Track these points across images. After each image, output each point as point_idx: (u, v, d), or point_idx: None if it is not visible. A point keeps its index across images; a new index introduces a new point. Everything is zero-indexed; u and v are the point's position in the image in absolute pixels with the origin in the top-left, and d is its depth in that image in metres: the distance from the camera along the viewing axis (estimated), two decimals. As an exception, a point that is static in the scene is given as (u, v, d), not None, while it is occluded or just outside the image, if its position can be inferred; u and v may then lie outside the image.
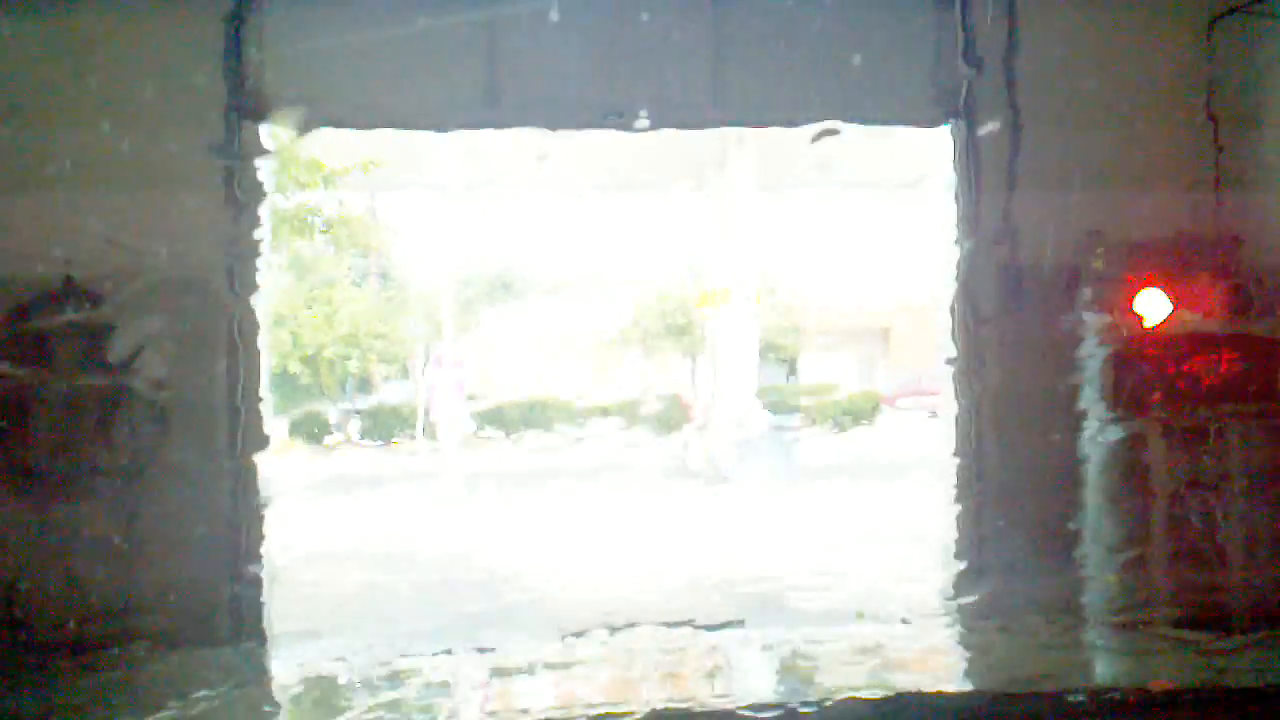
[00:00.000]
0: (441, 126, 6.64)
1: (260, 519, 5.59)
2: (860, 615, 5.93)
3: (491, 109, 5.83)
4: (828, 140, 5.89)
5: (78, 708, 2.75)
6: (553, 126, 5.95)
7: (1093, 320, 5.45)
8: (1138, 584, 5.33)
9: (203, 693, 2.65)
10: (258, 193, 5.63)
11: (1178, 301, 5.42)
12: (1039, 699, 2.15)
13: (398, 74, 5.71)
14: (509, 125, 6.06)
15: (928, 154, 6.67)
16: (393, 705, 2.47)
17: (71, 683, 3.67)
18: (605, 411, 26.56)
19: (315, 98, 5.75)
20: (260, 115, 5.62)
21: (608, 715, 2.20)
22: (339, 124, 5.95)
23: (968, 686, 2.76)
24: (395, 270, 31.28)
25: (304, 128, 6.28)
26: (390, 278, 31.20)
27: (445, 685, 2.66)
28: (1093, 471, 5.44)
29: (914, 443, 13.29)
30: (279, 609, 5.60)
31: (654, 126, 6.39)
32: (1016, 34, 5.74)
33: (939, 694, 2.40)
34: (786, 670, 2.75)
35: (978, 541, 5.64)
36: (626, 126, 5.94)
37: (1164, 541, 5.23)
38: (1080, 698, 2.22)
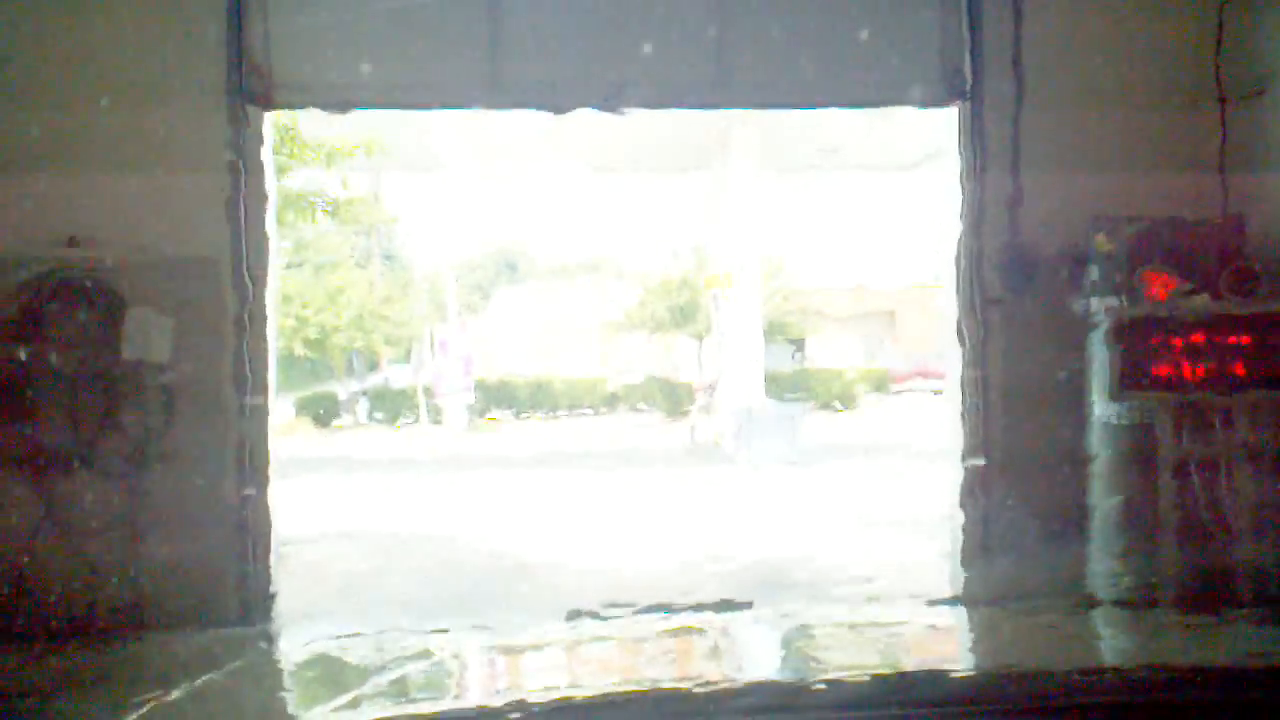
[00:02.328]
0: (444, 107, 6.64)
1: (267, 500, 5.61)
2: (871, 599, 5.94)
3: (493, 90, 5.83)
4: (833, 122, 5.89)
5: (85, 685, 2.77)
6: (555, 108, 5.94)
7: (1098, 300, 5.45)
8: (1144, 563, 5.34)
9: (209, 671, 2.65)
10: (262, 174, 5.63)
11: (1183, 282, 5.41)
12: (1045, 677, 2.15)
13: (400, 54, 5.71)
14: (511, 106, 6.06)
15: (933, 135, 6.67)
16: (399, 683, 2.48)
17: (79, 661, 3.69)
18: (611, 394, 26.61)
19: (318, 78, 5.75)
20: (264, 96, 5.62)
21: (614, 693, 2.21)
22: (341, 104, 5.94)
23: (974, 665, 2.76)
24: (400, 252, 31.28)
25: (307, 108, 6.27)
26: (395, 259, 31.18)
27: (451, 663, 2.67)
28: (1098, 451, 5.44)
29: (920, 423, 13.31)
30: (285, 589, 5.62)
31: (657, 108, 6.39)
32: (1023, 15, 5.73)
33: (945, 672, 2.41)
34: (792, 650, 2.75)
35: (983, 521, 5.65)
36: (629, 108, 5.94)
37: (1170, 521, 5.23)
38: (1085, 676, 2.23)
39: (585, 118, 5.91)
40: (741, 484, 13.98)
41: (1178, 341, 5.38)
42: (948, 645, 2.88)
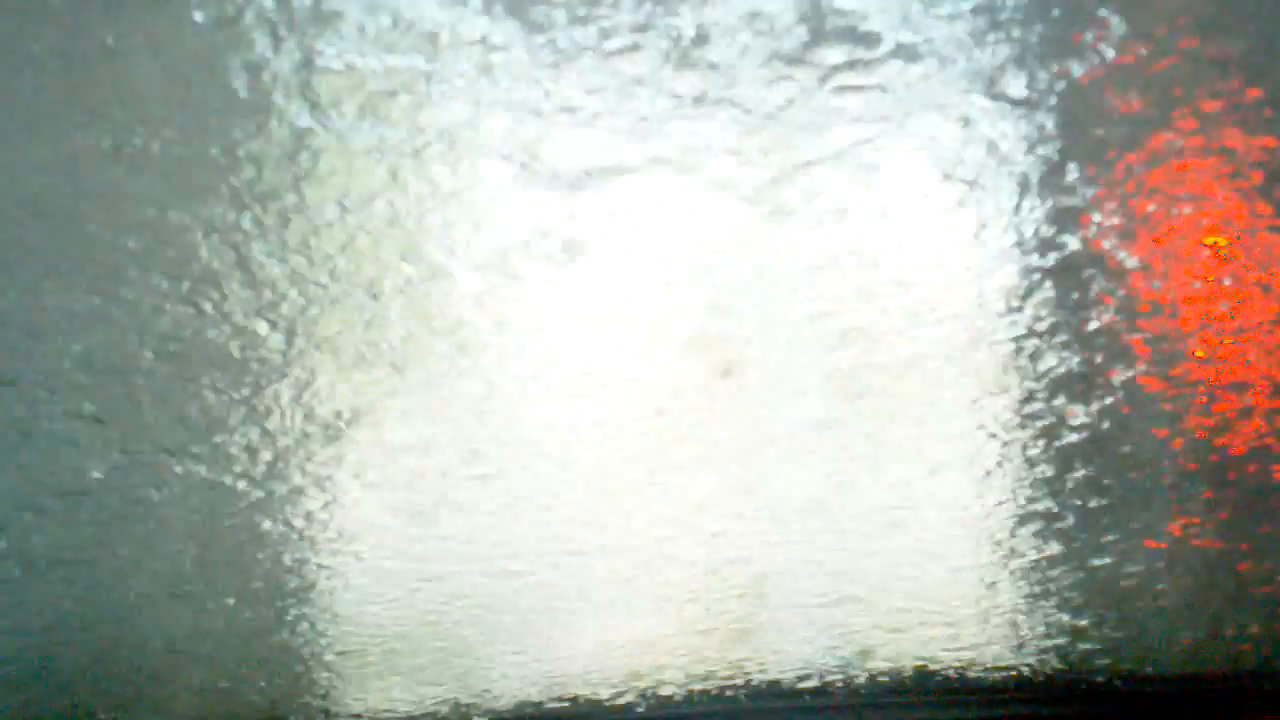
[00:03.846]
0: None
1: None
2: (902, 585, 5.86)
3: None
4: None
5: (100, 649, 2.77)
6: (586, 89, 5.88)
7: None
8: (1185, 559, 5.26)
9: (234, 648, 2.66)
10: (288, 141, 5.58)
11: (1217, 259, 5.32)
12: (1081, 678, 2.14)
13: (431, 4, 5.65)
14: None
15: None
16: (426, 646, 2.48)
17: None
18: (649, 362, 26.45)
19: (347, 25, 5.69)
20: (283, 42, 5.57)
21: (647, 683, 2.21)
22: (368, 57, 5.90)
23: (1006, 660, 2.74)
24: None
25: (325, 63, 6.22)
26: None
27: (477, 624, 2.67)
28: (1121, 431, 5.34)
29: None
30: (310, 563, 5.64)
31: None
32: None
33: (975, 663, 2.40)
34: (822, 639, 2.73)
35: (1020, 512, 5.59)
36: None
37: (1216, 514, 5.15)
38: (1125, 680, 2.21)
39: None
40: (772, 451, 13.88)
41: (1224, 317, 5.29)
42: (980, 638, 2.84)
